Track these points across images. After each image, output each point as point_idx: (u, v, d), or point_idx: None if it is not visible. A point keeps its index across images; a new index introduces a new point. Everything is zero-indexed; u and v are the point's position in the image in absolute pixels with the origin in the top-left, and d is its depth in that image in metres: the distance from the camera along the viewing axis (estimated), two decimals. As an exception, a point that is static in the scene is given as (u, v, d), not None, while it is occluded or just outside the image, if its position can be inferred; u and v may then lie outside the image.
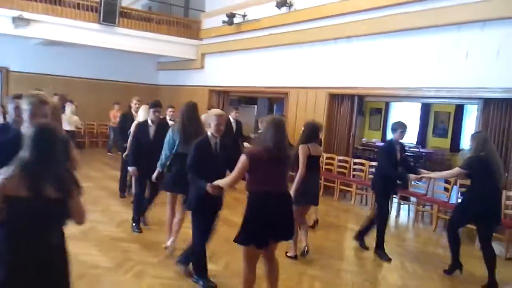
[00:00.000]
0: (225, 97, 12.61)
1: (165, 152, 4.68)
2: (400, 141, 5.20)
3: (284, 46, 9.88)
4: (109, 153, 12.01)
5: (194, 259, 4.06)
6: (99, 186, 7.90)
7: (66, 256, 2.43)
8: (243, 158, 3.35)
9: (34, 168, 2.20)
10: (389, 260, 5.14)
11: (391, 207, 7.31)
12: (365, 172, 8.04)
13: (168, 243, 4.78)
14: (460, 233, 4.94)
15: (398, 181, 5.31)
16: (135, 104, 6.97)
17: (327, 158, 8.65)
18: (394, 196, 5.32)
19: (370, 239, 5.45)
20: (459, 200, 5.91)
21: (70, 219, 2.36)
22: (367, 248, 5.43)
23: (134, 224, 5.53)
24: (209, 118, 3.92)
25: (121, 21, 11.27)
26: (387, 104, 15.80)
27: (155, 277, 4.19)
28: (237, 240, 3.41)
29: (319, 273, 4.63)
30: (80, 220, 2.41)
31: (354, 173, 8.26)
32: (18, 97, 4.62)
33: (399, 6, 7.28)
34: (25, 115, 2.60)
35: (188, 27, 12.85)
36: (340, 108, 9.03)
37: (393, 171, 5.09)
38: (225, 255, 4.75)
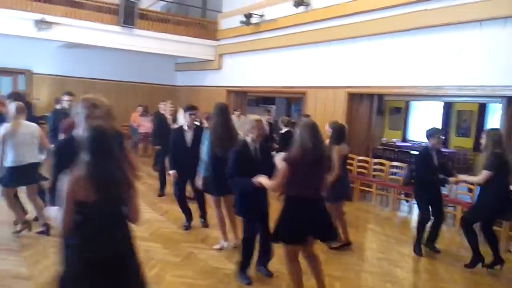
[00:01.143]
0: (243, 98, 12.63)
1: (206, 156, 4.78)
2: (437, 146, 5.26)
3: (302, 45, 9.82)
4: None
5: (243, 256, 4.11)
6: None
7: (134, 248, 2.52)
8: (283, 164, 3.38)
9: (98, 171, 2.26)
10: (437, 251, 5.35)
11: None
12: (386, 172, 7.93)
13: (224, 244, 4.93)
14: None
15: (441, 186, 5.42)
16: (170, 107, 7.13)
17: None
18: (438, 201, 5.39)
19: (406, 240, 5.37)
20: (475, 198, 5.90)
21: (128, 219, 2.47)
22: (439, 252, 5.42)
23: (186, 224, 5.67)
24: (248, 123, 3.95)
25: (140, 23, 11.42)
26: (407, 103, 15.55)
27: (176, 276, 4.23)
28: (273, 239, 3.54)
29: (339, 273, 4.58)
30: (135, 219, 2.49)
31: (374, 173, 8.15)
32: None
33: (419, 3, 7.14)
34: (79, 118, 2.66)
35: (205, 28, 12.92)
36: (359, 107, 8.94)
37: (432, 177, 5.15)
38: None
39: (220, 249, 4.91)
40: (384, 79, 8.07)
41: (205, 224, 5.74)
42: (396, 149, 10.82)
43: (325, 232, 3.62)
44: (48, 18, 10.09)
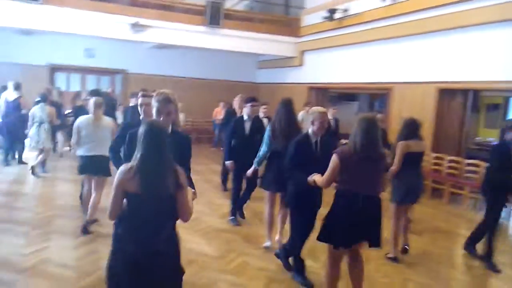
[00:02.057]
0: (325, 94, 12.46)
1: (263, 149, 4.71)
2: None
3: (388, 39, 9.41)
4: (212, 148, 12.69)
5: (293, 255, 4.08)
6: (204, 179, 8.38)
7: (177, 248, 2.55)
8: (334, 158, 3.28)
9: (145, 166, 2.32)
10: (497, 271, 4.63)
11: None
12: (480, 174, 7.31)
13: (268, 243, 4.83)
14: None
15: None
16: (239, 101, 7.24)
17: (435, 158, 8.06)
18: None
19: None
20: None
21: (177, 216, 2.48)
22: (480, 257, 4.92)
23: (231, 218, 5.75)
24: (312, 116, 3.85)
25: (225, 23, 11.80)
26: (506, 99, 14.15)
27: (258, 269, 4.31)
28: (319, 237, 3.39)
29: (425, 280, 4.34)
30: (185, 217, 2.49)
31: (467, 174, 7.56)
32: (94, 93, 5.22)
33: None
34: (152, 112, 2.82)
35: (288, 25, 12.97)
36: (450, 104, 8.34)
37: (503, 174, 4.56)
38: (325, 253, 4.69)
39: (266, 248, 4.81)
40: (481, 74, 7.41)
41: (243, 216, 5.83)
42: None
43: (375, 237, 3.35)
44: (142, 21, 10.85)
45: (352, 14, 10.24)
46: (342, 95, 15.33)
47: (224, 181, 7.60)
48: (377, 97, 15.64)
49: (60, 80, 13.34)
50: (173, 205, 2.41)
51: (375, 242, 3.35)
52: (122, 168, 2.38)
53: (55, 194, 6.67)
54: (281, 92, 13.31)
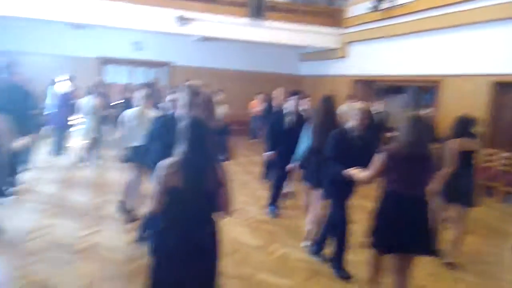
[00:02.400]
0: (370, 87, 12.16)
1: (303, 144, 4.72)
2: None
3: (438, 30, 9.01)
4: (251, 140, 12.75)
5: (334, 247, 4.06)
6: (245, 170, 8.45)
7: (216, 242, 2.57)
8: (381, 155, 3.20)
9: (189, 161, 2.38)
10: None
11: None
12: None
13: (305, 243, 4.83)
14: None
15: None
16: (281, 94, 7.22)
17: (486, 154, 7.67)
18: None
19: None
20: None
21: (218, 210, 2.52)
22: None
23: (270, 208, 5.76)
24: (352, 111, 3.84)
25: (268, 15, 11.76)
26: None
27: (299, 260, 4.32)
28: (367, 243, 3.36)
29: (478, 280, 4.17)
30: (226, 211, 2.53)
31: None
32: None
33: None
34: (180, 105, 2.84)
35: (332, 16, 12.73)
36: (505, 98, 7.88)
37: None
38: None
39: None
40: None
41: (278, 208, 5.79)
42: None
43: (424, 243, 3.18)
44: (187, 14, 11.03)
45: (399, 4, 9.90)
46: (389, 88, 14.89)
47: (266, 172, 7.62)
48: (425, 90, 15.07)
49: (109, 72, 13.86)
50: (215, 200, 2.45)
51: (427, 249, 3.22)
52: (165, 162, 2.42)
53: (105, 182, 6.99)
54: (324, 85, 13.15)
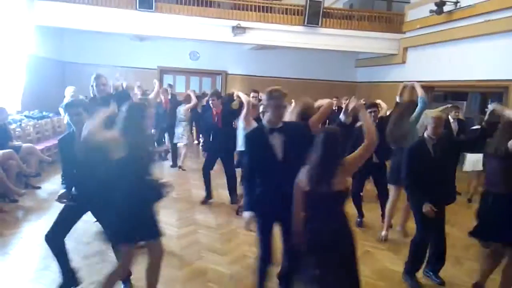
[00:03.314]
0: (429, 93, 11.62)
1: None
2: None
3: (503, 33, 8.47)
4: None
5: (410, 260, 3.94)
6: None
7: (350, 236, 2.78)
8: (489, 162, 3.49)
9: (317, 168, 2.64)
10: None
11: None
12: None
13: (384, 232, 5.09)
14: None
15: None
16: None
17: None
18: None
19: None
20: None
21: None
22: None
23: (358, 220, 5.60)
24: (426, 120, 3.79)
25: (324, 22, 11.68)
26: None
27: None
28: (472, 233, 3.57)
29: None
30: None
31: None
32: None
33: None
34: (268, 107, 2.96)
35: (390, 21, 12.36)
36: None
37: None
38: (469, 261, 4.61)
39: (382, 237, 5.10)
40: None
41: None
42: None
43: None
44: (243, 23, 11.23)
45: (464, 7, 9.41)
46: (449, 94, 14.20)
47: None
48: (490, 96, 14.18)
49: (167, 81, 14.40)
50: (340, 199, 2.73)
51: None
52: (301, 174, 2.72)
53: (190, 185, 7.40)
54: (381, 91, 12.77)
